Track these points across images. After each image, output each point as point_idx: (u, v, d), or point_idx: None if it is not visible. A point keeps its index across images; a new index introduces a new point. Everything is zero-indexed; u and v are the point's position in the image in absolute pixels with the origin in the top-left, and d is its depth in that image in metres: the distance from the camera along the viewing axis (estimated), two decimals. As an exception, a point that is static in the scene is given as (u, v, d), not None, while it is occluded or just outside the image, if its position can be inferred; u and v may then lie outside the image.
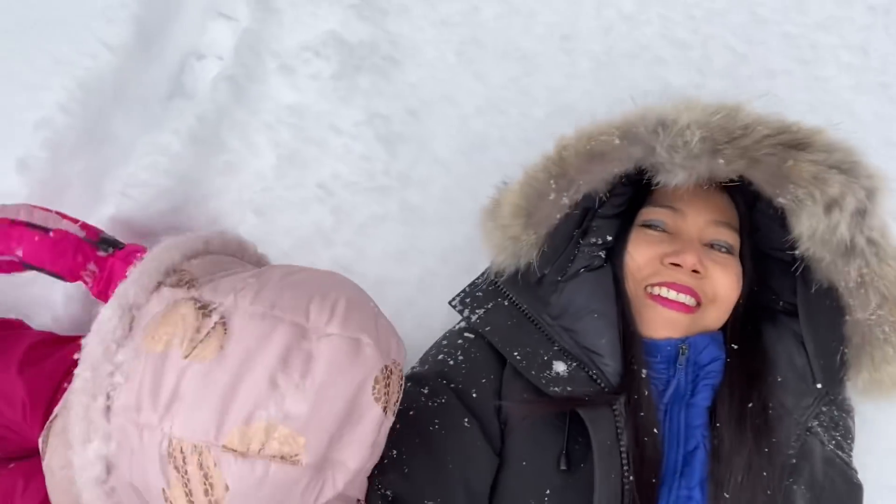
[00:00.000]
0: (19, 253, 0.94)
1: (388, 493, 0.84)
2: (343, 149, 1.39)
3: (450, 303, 1.08)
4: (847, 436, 1.01)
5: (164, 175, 1.39)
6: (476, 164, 1.36)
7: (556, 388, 0.93)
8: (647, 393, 0.94)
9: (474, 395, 0.95)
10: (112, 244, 0.98)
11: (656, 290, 0.99)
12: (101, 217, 1.36)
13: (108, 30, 1.46)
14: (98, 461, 0.62)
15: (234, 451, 0.60)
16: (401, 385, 0.74)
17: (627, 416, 0.92)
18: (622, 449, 0.88)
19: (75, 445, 0.63)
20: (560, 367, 0.95)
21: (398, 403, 0.75)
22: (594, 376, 0.95)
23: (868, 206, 0.90)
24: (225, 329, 0.64)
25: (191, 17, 1.64)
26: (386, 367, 0.70)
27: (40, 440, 0.81)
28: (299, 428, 0.61)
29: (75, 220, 1.01)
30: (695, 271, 0.98)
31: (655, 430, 0.93)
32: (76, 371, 0.64)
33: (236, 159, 1.43)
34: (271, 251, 1.35)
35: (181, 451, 0.60)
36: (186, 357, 0.63)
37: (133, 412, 0.62)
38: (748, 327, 1.05)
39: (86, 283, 0.99)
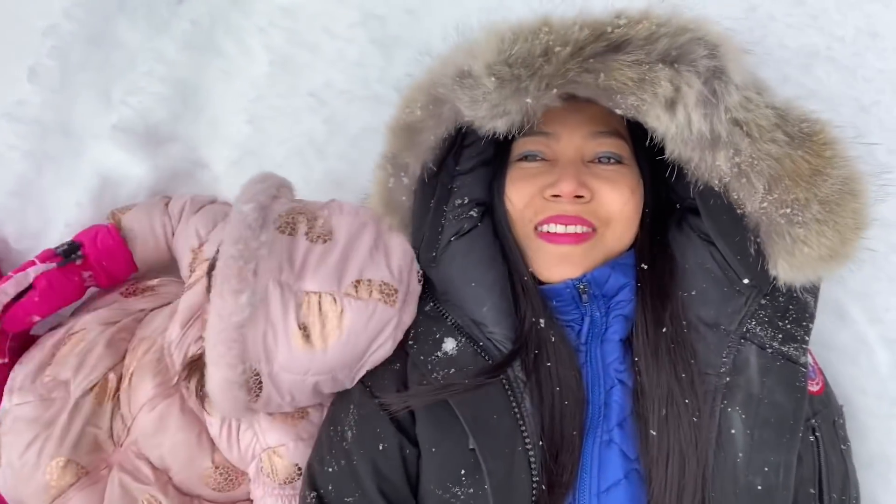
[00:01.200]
0: (36, 319, 1.09)
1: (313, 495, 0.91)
2: (337, 54, 1.31)
3: None
4: (802, 318, 0.88)
5: (160, 82, 1.37)
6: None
7: (438, 374, 0.89)
8: (553, 340, 0.88)
9: (384, 382, 0.93)
10: (72, 249, 1.13)
11: (544, 228, 0.90)
12: (104, 125, 1.36)
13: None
14: (247, 307, 0.83)
15: (353, 295, 0.88)
16: None
17: (529, 376, 0.87)
18: (518, 418, 0.84)
19: (227, 296, 0.83)
20: (449, 344, 0.91)
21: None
22: (480, 350, 0.90)
23: (717, 87, 0.76)
24: (331, 226, 0.93)
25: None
26: None
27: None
28: (393, 282, 0.91)
29: (29, 264, 1.11)
30: (578, 196, 0.88)
31: (575, 376, 0.87)
32: (221, 248, 0.87)
33: (231, 66, 1.38)
34: (265, 163, 1.33)
35: (308, 300, 0.87)
36: (310, 241, 0.90)
37: (276, 273, 0.86)
38: (657, 239, 0.95)
39: (94, 285, 1.16)
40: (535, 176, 0.92)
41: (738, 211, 0.83)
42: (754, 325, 0.87)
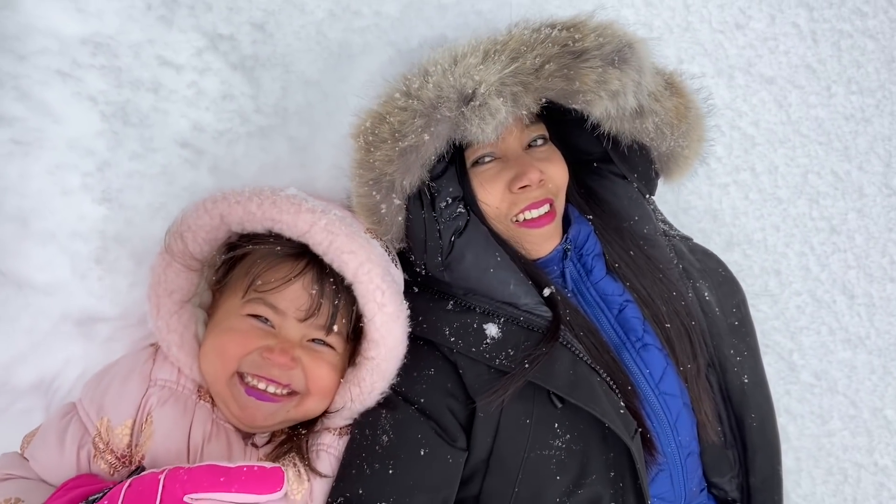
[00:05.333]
0: None
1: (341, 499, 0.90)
2: (192, 89, 1.06)
3: None
4: (659, 211, 1.24)
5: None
6: (350, 78, 1.20)
7: (501, 359, 0.95)
8: (560, 298, 1.05)
9: (423, 400, 0.96)
10: None
11: (521, 217, 1.05)
12: None
13: None
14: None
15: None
16: None
17: (567, 327, 1.01)
18: (586, 360, 0.99)
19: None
20: (493, 329, 0.98)
21: None
22: (525, 324, 0.99)
23: (641, 77, 1.00)
24: None
25: None
26: None
27: None
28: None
29: None
30: (540, 181, 1.05)
31: (583, 316, 1.06)
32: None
33: (25, 132, 0.96)
34: (141, 245, 1.02)
35: None
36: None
37: None
38: (582, 189, 1.21)
39: None
40: (496, 176, 1.04)
41: (653, 152, 1.14)
42: (659, 223, 1.21)
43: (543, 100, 0.96)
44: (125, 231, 1.01)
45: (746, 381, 1.14)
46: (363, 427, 0.95)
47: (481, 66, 0.90)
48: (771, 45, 1.80)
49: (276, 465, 0.74)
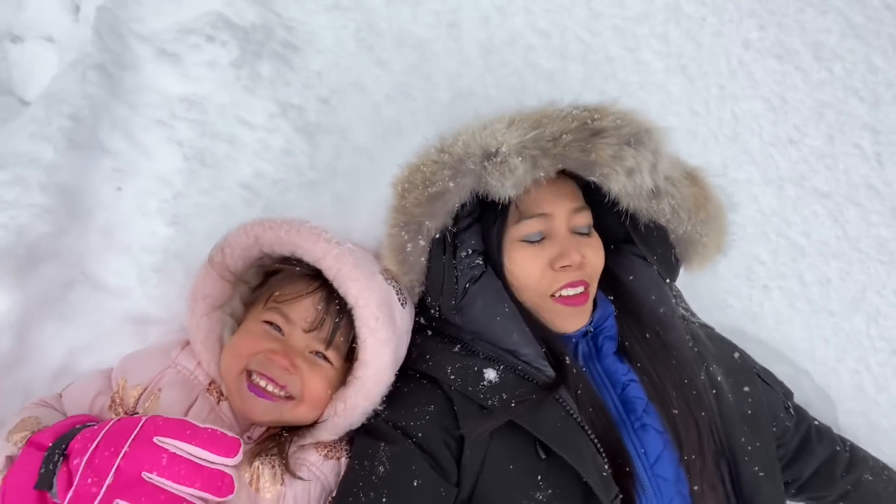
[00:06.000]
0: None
1: None
2: (260, 144, 1.28)
3: None
4: (683, 297, 1.29)
5: (37, 190, 1.12)
6: (396, 150, 1.39)
7: (494, 401, 1.00)
8: (575, 370, 1.09)
9: (420, 435, 1.01)
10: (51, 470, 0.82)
11: (560, 293, 1.10)
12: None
13: None
14: None
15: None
16: None
17: (568, 389, 1.05)
18: (579, 421, 1.02)
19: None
20: (491, 374, 1.04)
21: None
22: (521, 373, 1.04)
23: (657, 158, 1.07)
24: None
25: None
26: None
27: None
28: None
29: None
30: (581, 263, 1.11)
31: (589, 387, 1.10)
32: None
33: (124, 163, 1.21)
34: (196, 261, 1.22)
35: None
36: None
37: None
38: (605, 270, 1.23)
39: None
40: (541, 252, 1.10)
41: (671, 235, 1.19)
42: (680, 308, 1.24)
43: (561, 165, 1.05)
44: (184, 250, 1.21)
45: (759, 472, 1.12)
46: (362, 458, 1.01)
47: (505, 131, 1.02)
48: (828, 162, 1.83)
49: (237, 436, 0.85)
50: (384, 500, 0.95)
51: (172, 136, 1.24)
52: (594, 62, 1.64)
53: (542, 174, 1.03)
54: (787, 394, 1.37)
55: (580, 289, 1.11)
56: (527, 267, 1.09)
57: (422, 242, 1.07)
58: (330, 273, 1.04)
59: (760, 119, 1.78)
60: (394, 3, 1.48)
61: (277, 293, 1.06)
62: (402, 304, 1.12)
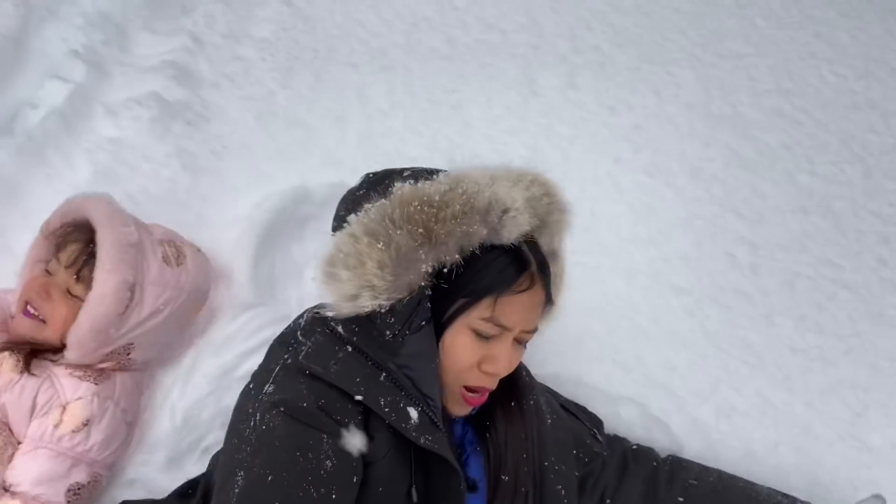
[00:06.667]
0: None
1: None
2: (152, 172, 1.74)
3: (300, 360, 1.03)
4: None
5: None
6: (266, 201, 1.77)
7: (425, 440, 1.01)
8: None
9: (352, 427, 1.01)
10: None
11: (467, 390, 1.09)
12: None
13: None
14: (135, 232, 1.41)
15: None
16: None
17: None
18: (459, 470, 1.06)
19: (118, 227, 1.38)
20: (413, 413, 1.02)
21: None
22: (434, 419, 1.03)
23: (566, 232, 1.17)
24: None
25: (31, 75, 1.96)
26: None
27: None
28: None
29: None
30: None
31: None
32: None
33: (54, 172, 1.71)
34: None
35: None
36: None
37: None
38: None
39: None
40: (479, 350, 1.06)
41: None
42: None
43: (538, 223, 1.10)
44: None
45: (561, 490, 1.19)
46: (304, 450, 0.95)
47: (513, 188, 1.05)
48: (692, 264, 1.91)
49: None
50: (333, 496, 0.94)
51: (92, 159, 1.73)
52: (460, 159, 1.97)
53: (535, 235, 1.10)
54: (596, 423, 1.47)
55: (485, 394, 1.12)
56: (461, 355, 1.06)
57: (430, 269, 1.01)
58: (94, 225, 1.37)
59: (620, 219, 1.95)
60: (294, 99, 1.97)
61: (59, 241, 1.43)
62: (164, 261, 1.41)
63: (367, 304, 0.99)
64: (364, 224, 0.99)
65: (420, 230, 0.98)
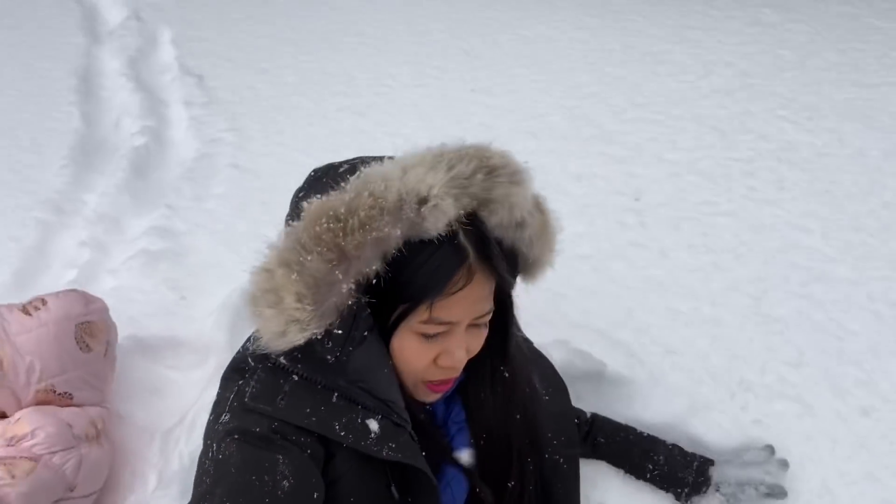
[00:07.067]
0: None
1: None
2: (145, 299, 2.23)
3: (245, 402, 1.00)
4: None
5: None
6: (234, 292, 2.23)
7: (388, 451, 0.98)
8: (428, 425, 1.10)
9: (309, 448, 0.98)
10: None
11: (430, 383, 1.06)
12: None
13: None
14: None
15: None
16: None
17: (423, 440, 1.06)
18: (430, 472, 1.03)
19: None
20: (374, 425, 0.99)
21: None
22: (397, 421, 1.01)
23: (528, 195, 1.02)
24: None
25: (54, 268, 2.55)
26: None
27: None
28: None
29: None
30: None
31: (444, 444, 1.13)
32: None
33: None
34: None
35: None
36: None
37: None
38: None
39: None
40: (429, 350, 1.02)
41: (522, 259, 1.09)
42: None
43: (475, 203, 0.97)
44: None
45: (559, 459, 1.23)
46: (260, 473, 0.94)
47: (429, 173, 0.94)
48: (589, 238, 2.27)
49: None
50: None
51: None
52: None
53: (462, 211, 0.96)
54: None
55: (453, 379, 1.08)
56: (412, 359, 1.03)
57: (352, 286, 0.95)
58: None
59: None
60: (251, 224, 2.50)
61: None
62: (25, 313, 1.57)
63: (297, 337, 0.94)
64: (278, 253, 0.93)
65: (330, 250, 0.91)
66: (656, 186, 2.44)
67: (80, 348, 1.62)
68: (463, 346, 1.03)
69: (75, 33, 4.04)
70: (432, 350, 1.02)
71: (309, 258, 0.91)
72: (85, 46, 3.92)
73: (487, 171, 0.97)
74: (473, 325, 1.04)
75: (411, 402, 1.06)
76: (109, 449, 1.65)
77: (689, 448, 1.56)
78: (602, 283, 2.10)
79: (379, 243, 0.93)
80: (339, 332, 0.96)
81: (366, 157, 1.05)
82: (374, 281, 0.95)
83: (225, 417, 1.00)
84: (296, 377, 1.01)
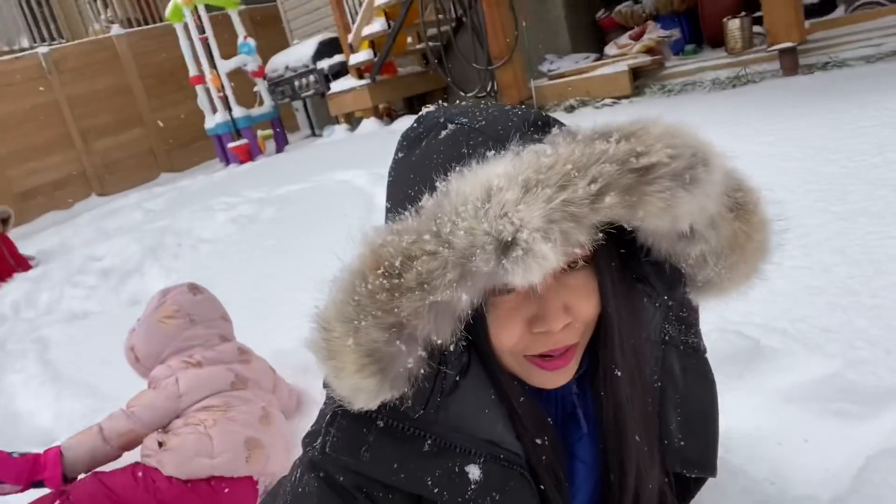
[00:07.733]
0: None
1: None
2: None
3: (326, 452, 0.86)
4: (693, 310, 1.01)
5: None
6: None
7: (491, 500, 0.86)
8: (550, 442, 0.94)
9: None
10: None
11: (536, 357, 0.87)
12: None
13: None
14: None
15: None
16: None
17: (540, 468, 0.93)
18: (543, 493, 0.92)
19: None
20: (475, 472, 0.87)
21: None
22: (504, 461, 0.89)
23: (710, 200, 0.77)
24: None
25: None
26: None
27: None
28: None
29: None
30: (565, 325, 0.84)
31: (560, 466, 0.96)
32: None
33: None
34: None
35: None
36: None
37: None
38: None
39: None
40: (517, 309, 0.83)
41: (686, 279, 0.91)
42: (667, 326, 0.97)
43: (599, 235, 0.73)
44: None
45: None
46: None
47: (521, 202, 0.69)
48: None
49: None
50: None
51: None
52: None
53: (577, 250, 0.73)
54: None
55: (564, 350, 0.88)
56: (502, 332, 0.84)
57: (422, 353, 0.78)
58: None
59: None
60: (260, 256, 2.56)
61: None
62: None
63: (367, 404, 0.79)
64: (335, 303, 0.75)
65: (387, 313, 0.73)
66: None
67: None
68: (556, 307, 0.81)
69: None
70: (521, 311, 0.82)
71: (363, 323, 0.73)
72: None
73: (638, 174, 0.71)
74: (567, 272, 0.81)
75: (528, 423, 0.90)
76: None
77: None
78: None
79: (445, 311, 0.73)
80: (417, 395, 0.80)
81: (473, 131, 0.81)
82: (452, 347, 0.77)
83: (317, 443, 0.88)
84: (381, 423, 0.86)
